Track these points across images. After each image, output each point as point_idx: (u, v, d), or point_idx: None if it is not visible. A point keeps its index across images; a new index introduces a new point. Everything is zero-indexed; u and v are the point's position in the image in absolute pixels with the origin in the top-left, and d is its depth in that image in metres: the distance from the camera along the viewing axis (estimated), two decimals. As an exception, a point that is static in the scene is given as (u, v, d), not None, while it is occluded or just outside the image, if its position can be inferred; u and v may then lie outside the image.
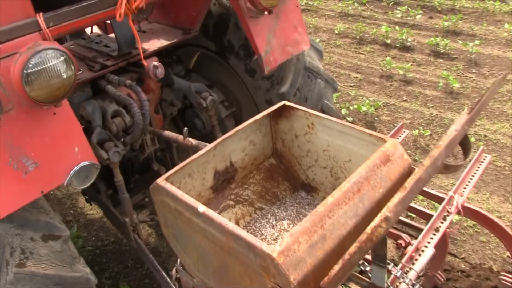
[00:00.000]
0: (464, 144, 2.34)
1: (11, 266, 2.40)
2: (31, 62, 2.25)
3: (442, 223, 2.70)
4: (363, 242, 1.40)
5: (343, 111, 6.41)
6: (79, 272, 2.66)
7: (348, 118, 6.28)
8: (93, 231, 5.02)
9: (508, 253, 4.17)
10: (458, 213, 2.84)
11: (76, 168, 2.53)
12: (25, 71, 2.23)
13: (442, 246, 3.17)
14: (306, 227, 1.80)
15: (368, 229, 1.66)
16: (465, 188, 2.94)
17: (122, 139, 3.30)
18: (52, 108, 2.44)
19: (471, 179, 3.00)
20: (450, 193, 2.84)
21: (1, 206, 2.30)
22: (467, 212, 2.96)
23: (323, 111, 4.00)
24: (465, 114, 2.08)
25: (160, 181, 2.12)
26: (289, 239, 1.75)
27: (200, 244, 2.10)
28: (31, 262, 2.47)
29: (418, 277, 2.39)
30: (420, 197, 4.51)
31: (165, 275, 3.19)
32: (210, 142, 3.49)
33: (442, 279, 3.57)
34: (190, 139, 3.29)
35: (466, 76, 7.10)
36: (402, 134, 4.55)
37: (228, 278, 2.08)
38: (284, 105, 2.63)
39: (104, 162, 3.01)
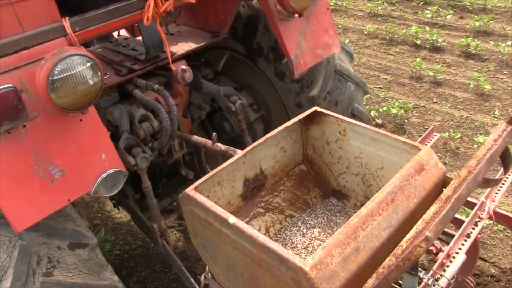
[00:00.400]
0: (505, 157, 2.24)
1: (38, 275, 2.37)
2: (57, 69, 2.20)
3: (473, 229, 2.63)
4: (400, 261, 1.34)
5: (372, 113, 6.31)
6: (106, 280, 2.63)
7: (377, 121, 6.19)
8: (121, 234, 5.01)
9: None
10: (490, 218, 2.77)
11: (104, 175, 2.50)
12: (50, 78, 2.18)
13: (473, 251, 3.09)
14: (339, 240, 1.74)
15: (407, 247, 1.59)
16: (496, 193, 2.87)
17: (150, 144, 3.28)
18: (78, 114, 2.40)
19: (503, 184, 2.92)
20: (482, 198, 2.77)
21: (28, 215, 2.27)
22: (498, 217, 2.88)
23: (353, 115, 3.94)
24: (503, 124, 1.98)
25: (189, 190, 2.08)
26: (322, 252, 1.70)
27: (230, 255, 2.06)
28: (58, 271, 2.44)
29: (449, 284, 2.32)
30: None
31: (193, 282, 3.15)
32: (238, 146, 3.45)
33: (472, 285, 3.48)
34: (219, 144, 3.24)
35: (497, 77, 6.93)
36: (433, 137, 4.45)
37: (258, 290, 2.04)
38: (315, 111, 2.58)
39: (132, 168, 2.98)
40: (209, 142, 3.32)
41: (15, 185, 2.24)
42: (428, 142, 4.33)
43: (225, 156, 3.25)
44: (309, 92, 3.71)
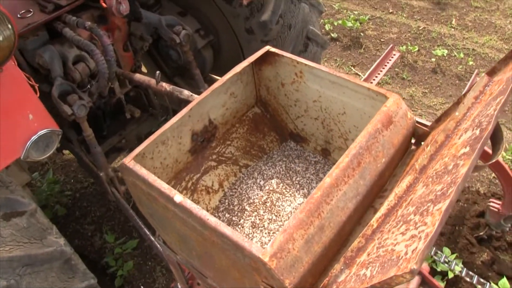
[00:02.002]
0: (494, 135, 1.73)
1: None
2: None
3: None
4: (378, 283, 1.15)
5: (327, 27, 6.02)
6: (51, 246, 2.39)
7: (332, 35, 5.91)
8: (71, 172, 4.75)
9: (493, 175, 4.09)
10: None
11: (34, 138, 2.21)
12: None
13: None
14: (301, 220, 1.52)
15: (377, 227, 1.39)
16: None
17: (88, 87, 2.95)
18: None
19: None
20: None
21: None
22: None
23: (308, 38, 3.70)
24: (485, 78, 1.65)
25: (128, 161, 1.80)
26: (282, 237, 1.48)
27: (180, 229, 1.83)
28: None
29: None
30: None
31: (147, 232, 2.96)
32: (187, 74, 3.12)
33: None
34: (164, 84, 2.97)
35: (454, -18, 6.66)
36: (393, 56, 4.29)
37: (214, 265, 1.84)
38: (267, 52, 2.29)
39: (69, 118, 2.68)
40: (153, 81, 3.04)
41: None
42: (389, 61, 4.14)
43: (171, 97, 2.97)
44: (259, 16, 3.42)
